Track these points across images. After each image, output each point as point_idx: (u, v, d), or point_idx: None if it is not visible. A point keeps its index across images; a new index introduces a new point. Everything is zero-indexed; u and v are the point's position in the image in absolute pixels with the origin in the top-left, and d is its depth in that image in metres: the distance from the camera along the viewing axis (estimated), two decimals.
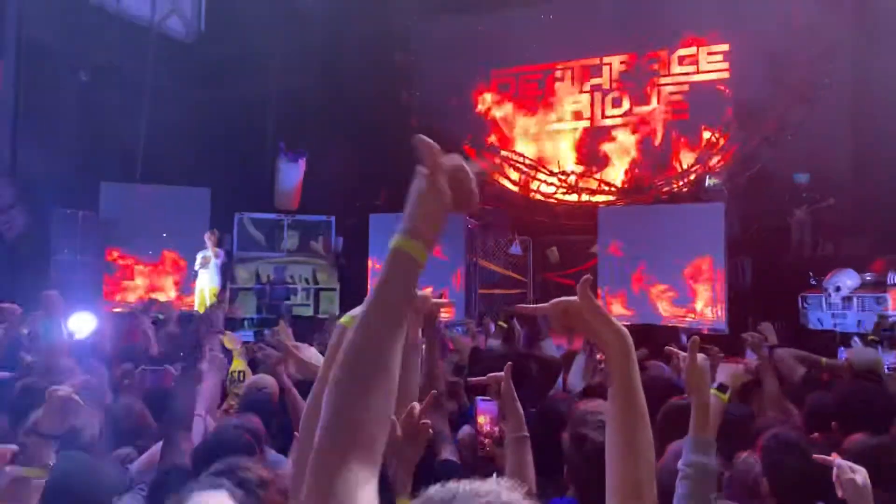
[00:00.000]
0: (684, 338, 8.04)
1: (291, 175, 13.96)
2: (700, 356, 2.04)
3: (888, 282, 9.74)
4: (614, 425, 1.41)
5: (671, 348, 2.77)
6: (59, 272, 11.32)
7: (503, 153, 14.47)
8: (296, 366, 3.60)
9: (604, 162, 13.93)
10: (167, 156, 12.66)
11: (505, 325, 5.91)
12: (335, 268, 13.31)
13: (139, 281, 12.43)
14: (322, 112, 13.93)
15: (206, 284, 11.68)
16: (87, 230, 12.00)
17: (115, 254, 12.31)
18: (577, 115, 14.59)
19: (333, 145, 13.40)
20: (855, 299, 9.80)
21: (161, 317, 6.87)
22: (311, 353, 3.63)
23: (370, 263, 12.00)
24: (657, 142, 13.67)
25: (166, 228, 12.28)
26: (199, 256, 11.61)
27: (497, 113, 14.99)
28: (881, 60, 10.83)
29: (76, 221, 12.07)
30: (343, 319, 1.77)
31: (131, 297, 11.94)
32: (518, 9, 14.39)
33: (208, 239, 11.68)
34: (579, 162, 14.19)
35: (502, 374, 2.25)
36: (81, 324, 5.54)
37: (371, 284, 9.97)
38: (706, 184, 12.14)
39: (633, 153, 13.81)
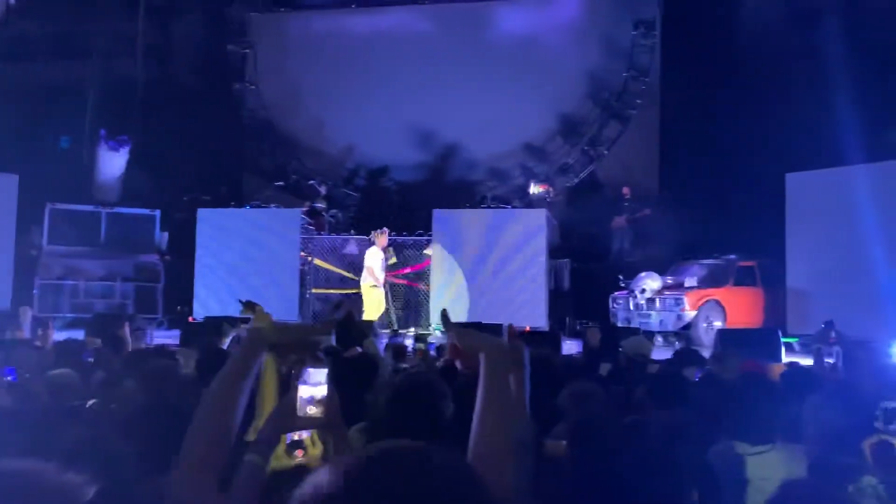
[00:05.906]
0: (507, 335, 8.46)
1: (113, 164, 13.10)
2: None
3: (685, 284, 10.78)
4: (482, 414, 1.45)
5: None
6: None
7: None
8: None
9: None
10: None
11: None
12: (159, 264, 12.64)
13: None
14: (149, 100, 13.24)
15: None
16: None
17: None
18: None
19: (160, 135, 12.77)
20: (657, 300, 10.69)
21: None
22: None
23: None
24: None
25: None
26: (382, 261, 10.46)
27: None
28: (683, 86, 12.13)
29: None
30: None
31: None
32: (359, 11, 14.46)
33: (377, 238, 10.57)
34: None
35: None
36: None
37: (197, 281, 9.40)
38: (530, 191, 12.84)
39: None
